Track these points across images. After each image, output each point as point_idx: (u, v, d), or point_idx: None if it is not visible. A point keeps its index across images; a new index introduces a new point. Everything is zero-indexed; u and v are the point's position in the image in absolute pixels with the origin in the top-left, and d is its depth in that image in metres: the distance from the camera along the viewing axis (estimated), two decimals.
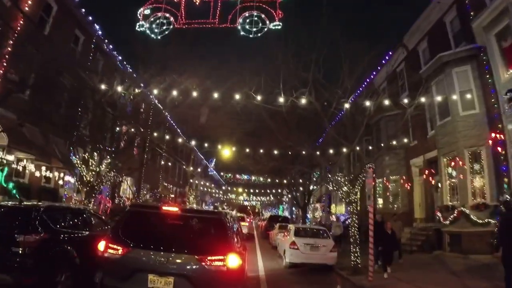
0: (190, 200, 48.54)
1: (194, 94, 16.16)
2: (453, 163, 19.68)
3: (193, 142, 28.42)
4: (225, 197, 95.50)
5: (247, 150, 23.04)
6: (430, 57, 22.44)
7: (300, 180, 36.71)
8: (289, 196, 49.39)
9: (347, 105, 15.64)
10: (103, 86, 18.06)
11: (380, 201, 29.21)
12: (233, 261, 6.44)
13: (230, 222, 7.56)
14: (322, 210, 49.29)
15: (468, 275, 13.96)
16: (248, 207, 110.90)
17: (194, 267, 6.31)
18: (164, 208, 7.28)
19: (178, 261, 6.35)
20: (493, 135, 17.77)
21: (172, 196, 48.22)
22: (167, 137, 41.93)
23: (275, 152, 23.19)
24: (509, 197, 15.83)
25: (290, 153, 22.17)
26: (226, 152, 35.68)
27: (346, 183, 16.48)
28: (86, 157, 19.45)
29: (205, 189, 73.47)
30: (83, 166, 18.73)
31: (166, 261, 6.27)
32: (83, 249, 8.26)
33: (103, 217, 12.41)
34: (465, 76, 19.53)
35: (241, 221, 33.88)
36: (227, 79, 17.43)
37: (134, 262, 6.33)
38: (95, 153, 19.10)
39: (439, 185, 21.87)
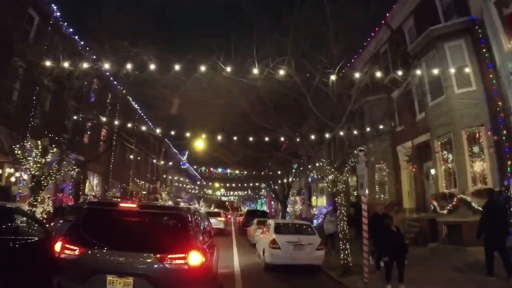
0: (163, 197, 45.89)
1: (153, 67, 13.48)
2: (448, 146, 17.76)
3: (158, 130, 25.87)
4: (201, 192, 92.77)
5: (219, 137, 20.30)
6: (417, 36, 20.47)
7: (279, 172, 34.57)
8: (268, 189, 47.16)
9: (333, 77, 13.35)
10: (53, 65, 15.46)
11: (367, 190, 27.27)
12: (195, 259, 6.15)
13: (192, 218, 7.15)
14: (302, 203, 47.25)
15: (475, 271, 12.12)
16: (227, 203, 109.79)
17: (154, 266, 5.98)
18: (122, 205, 6.86)
19: (137, 260, 6.03)
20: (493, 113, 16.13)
21: (144, 193, 45.61)
22: (136, 128, 39.64)
23: (251, 139, 20.56)
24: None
25: (267, 139, 19.45)
26: (199, 144, 33.24)
27: (332, 170, 14.34)
28: (29, 146, 16.85)
29: (180, 185, 70.78)
30: (28, 158, 16.10)
31: (124, 261, 5.92)
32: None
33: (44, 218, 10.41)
34: (459, 51, 17.78)
35: (216, 216, 33.02)
36: (191, 49, 15.03)
37: (91, 262, 5.98)
38: (39, 143, 16.46)
39: (432, 171, 20.04)
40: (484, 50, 16.77)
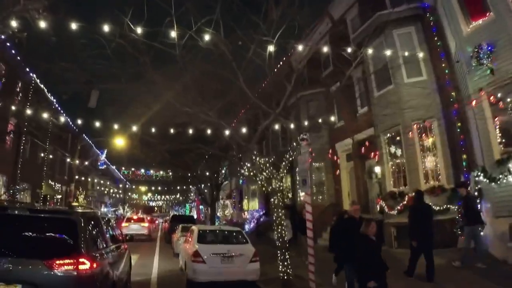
0: (80, 201, 41.60)
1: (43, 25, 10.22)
2: (397, 141, 15.92)
3: (79, 122, 22.49)
4: (127, 197, 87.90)
5: (134, 129, 16.99)
6: (361, 25, 18.59)
7: (207, 173, 31.86)
8: (196, 192, 44.30)
9: (271, 48, 10.80)
10: None
11: (302, 192, 25.18)
12: (84, 264, 5.79)
13: (86, 222, 6.62)
14: (233, 207, 44.75)
15: (442, 278, 10.28)
16: (155, 208, 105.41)
17: (42, 272, 5.55)
18: (9, 208, 6.53)
19: (25, 267, 5.55)
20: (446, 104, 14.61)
21: (59, 197, 41.09)
22: (50, 121, 35.40)
23: (172, 130, 17.32)
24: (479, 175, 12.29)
25: (191, 131, 16.13)
26: (119, 141, 29.82)
27: (267, 165, 11.88)
28: None
29: (104, 188, 66.04)
30: None
31: (12, 268, 5.44)
32: None
33: None
34: (409, 39, 16.29)
35: (139, 222, 30.78)
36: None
37: None
38: None
39: (376, 169, 18.14)
40: (435, 38, 15.45)
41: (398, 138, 15.88)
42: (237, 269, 10.91)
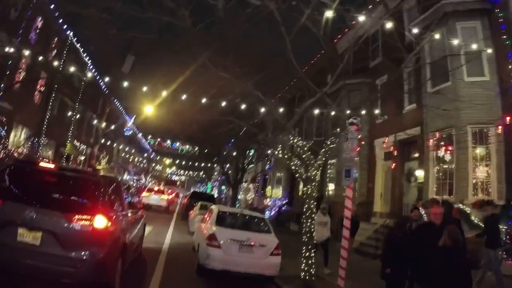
0: (102, 165, 40.98)
1: None
2: (446, 144, 14.41)
3: (106, 79, 21.51)
4: (150, 167, 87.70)
5: (164, 94, 15.97)
6: (420, 15, 16.97)
7: (234, 153, 30.72)
8: (221, 171, 43.29)
9: (329, 13, 9.32)
10: None
11: (331, 186, 23.87)
12: (99, 222, 6.30)
13: (106, 185, 7.20)
14: (255, 191, 43.66)
15: None
16: (178, 182, 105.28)
17: (61, 224, 6.10)
18: (41, 164, 7.26)
19: (48, 217, 6.10)
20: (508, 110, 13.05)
21: (83, 158, 40.59)
22: (82, 81, 34.82)
23: (203, 100, 16.02)
24: None
25: (222, 102, 14.78)
26: (149, 109, 28.89)
27: (305, 149, 10.59)
28: None
29: (129, 156, 65.68)
30: None
31: (36, 216, 6.04)
32: None
33: None
34: (473, 34, 14.59)
35: (159, 194, 31.78)
36: None
37: (6, 214, 6.04)
38: None
39: (416, 173, 16.68)
40: (504, 36, 13.80)
41: (448, 141, 14.36)
42: (255, 261, 9.61)
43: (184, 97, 16.23)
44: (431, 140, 15.18)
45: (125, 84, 20.67)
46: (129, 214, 8.66)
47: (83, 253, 6.08)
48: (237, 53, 11.96)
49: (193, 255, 11.63)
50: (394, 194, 18.32)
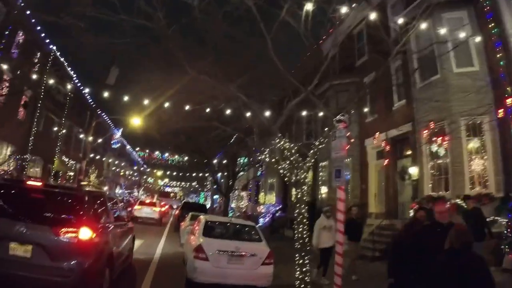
0: (91, 180, 40.24)
1: None
2: (439, 139, 13.95)
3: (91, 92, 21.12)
4: (142, 180, 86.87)
5: (149, 104, 15.50)
6: (404, 9, 16.61)
7: (224, 161, 30.22)
8: (212, 181, 42.72)
9: (309, 5, 8.85)
10: None
11: (324, 189, 23.36)
12: (85, 233, 6.70)
13: (91, 200, 7.67)
14: (248, 199, 43.08)
15: None
16: (171, 194, 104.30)
17: (50, 237, 6.52)
18: (28, 182, 7.55)
19: (37, 231, 6.54)
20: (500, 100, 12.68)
21: (72, 174, 39.83)
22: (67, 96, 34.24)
23: (187, 107, 15.43)
24: None
25: (205, 108, 14.29)
26: (136, 121, 28.31)
27: (292, 152, 10.08)
28: None
29: (119, 170, 64.81)
30: None
31: (25, 231, 6.46)
32: None
33: None
34: (460, 25, 14.03)
35: (151, 206, 31.31)
36: None
37: None
38: None
39: (410, 170, 16.23)
40: (491, 25, 13.47)
41: (441, 135, 13.92)
42: (245, 272, 9.05)
43: (167, 105, 15.71)
44: (423, 135, 14.75)
45: (110, 96, 20.17)
46: (116, 227, 9.00)
47: (70, 263, 6.51)
48: (217, 55, 11.48)
49: (183, 267, 11.05)
50: (389, 194, 17.82)
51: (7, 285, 6.36)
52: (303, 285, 9.46)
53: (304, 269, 9.55)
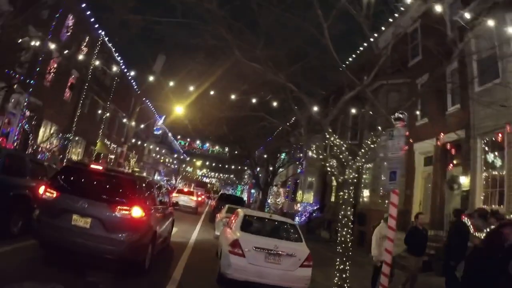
0: (131, 165, 40.63)
1: None
2: (498, 147, 13.09)
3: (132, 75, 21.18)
4: (181, 168, 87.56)
5: (194, 91, 15.31)
6: (463, 8, 15.60)
7: (265, 155, 29.82)
8: (250, 174, 42.41)
9: None
10: None
11: (366, 192, 22.57)
12: (136, 212, 7.90)
13: (142, 185, 9.05)
14: (285, 196, 42.52)
15: None
16: (209, 184, 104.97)
17: (106, 212, 7.73)
18: (92, 166, 9.04)
19: (96, 207, 7.72)
20: None
21: (112, 157, 40.39)
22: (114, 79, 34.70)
23: (233, 96, 15.17)
24: None
25: (251, 99, 13.95)
26: (179, 109, 28.40)
27: (343, 149, 9.54)
28: None
29: (159, 156, 65.43)
30: None
31: (87, 206, 7.66)
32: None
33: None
34: None
35: (189, 195, 32.79)
36: None
37: (63, 204, 7.74)
38: None
39: (460, 179, 15.32)
40: None
41: (498, 144, 13.03)
42: (282, 272, 8.59)
43: (212, 93, 15.41)
44: (478, 143, 13.87)
45: (156, 83, 20.20)
46: (160, 210, 10.32)
47: (122, 235, 7.69)
48: (269, 41, 11.00)
49: (216, 259, 10.69)
50: (435, 203, 16.93)
51: (69, 250, 7.72)
52: None
53: (344, 276, 9.03)
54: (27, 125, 23.35)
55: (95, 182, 8.50)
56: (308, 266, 8.79)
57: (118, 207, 7.82)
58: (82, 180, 8.56)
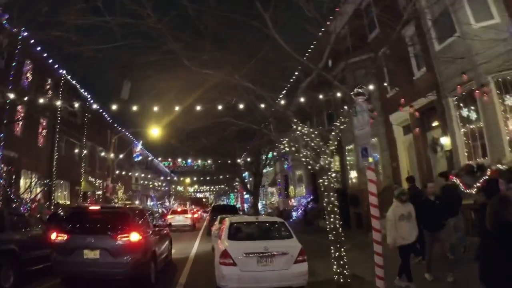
0: (119, 196, 40.15)
1: None
2: (468, 102, 12.98)
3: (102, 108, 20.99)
4: (172, 190, 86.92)
5: (158, 109, 15.08)
6: None
7: (248, 159, 29.58)
8: (238, 180, 42.10)
9: None
10: None
11: (353, 174, 22.43)
12: (134, 237, 9.46)
13: (134, 214, 10.76)
14: (278, 194, 42.33)
15: None
16: (203, 199, 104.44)
17: (110, 242, 9.28)
18: (90, 207, 11.69)
19: (101, 239, 9.30)
20: None
21: (99, 193, 39.83)
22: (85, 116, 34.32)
23: (197, 107, 14.92)
24: None
25: (220, 107, 13.77)
26: (155, 131, 28.05)
27: (313, 136, 9.32)
28: None
29: (148, 182, 64.78)
30: None
31: (93, 241, 9.22)
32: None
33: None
34: None
35: (183, 214, 33.11)
36: None
37: (74, 243, 9.29)
38: None
39: (442, 140, 15.23)
40: None
41: (470, 99, 12.93)
42: (278, 273, 8.29)
43: (178, 108, 15.21)
44: (449, 102, 13.77)
45: (127, 110, 19.84)
46: (156, 232, 11.94)
47: (126, 258, 9.25)
48: (218, 44, 10.80)
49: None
50: (422, 170, 16.79)
51: (84, 278, 9.45)
52: (342, 279, 8.68)
53: (341, 262, 8.79)
54: (1, 180, 22.84)
55: (95, 220, 10.12)
56: (302, 261, 8.50)
57: (119, 235, 9.36)
58: (85, 219, 10.21)
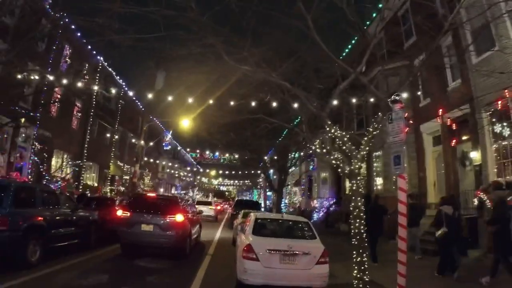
0: (145, 183, 40.98)
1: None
2: (505, 116, 12.85)
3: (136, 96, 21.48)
4: (197, 181, 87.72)
5: (195, 103, 15.46)
6: None
7: (275, 157, 29.74)
8: (264, 177, 42.34)
9: None
10: None
11: (379, 180, 22.36)
12: (179, 217, 12.62)
13: (181, 201, 14.33)
14: (301, 194, 42.37)
15: None
16: (227, 193, 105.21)
17: (161, 220, 12.45)
18: (148, 194, 15.79)
19: (155, 218, 12.47)
20: None
21: (126, 177, 40.66)
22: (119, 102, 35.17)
23: (231, 102, 15.30)
24: None
25: (251, 102, 14.11)
26: (185, 122, 28.37)
27: (345, 140, 9.43)
28: None
29: (174, 171, 65.62)
30: None
31: (149, 218, 12.41)
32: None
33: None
34: None
35: (207, 205, 35.14)
36: None
37: (135, 219, 12.42)
38: None
39: (471, 155, 15.10)
40: None
41: (506, 114, 12.79)
42: (299, 272, 8.50)
43: (212, 101, 15.54)
44: (483, 116, 13.65)
45: (160, 99, 20.36)
46: (191, 216, 14.72)
47: (172, 232, 12.31)
48: (257, 43, 10.96)
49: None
50: (449, 182, 16.66)
51: (141, 246, 12.48)
52: (361, 285, 8.79)
53: (362, 267, 8.89)
54: (36, 157, 23.63)
55: (152, 203, 13.23)
56: (324, 262, 8.67)
57: (168, 216, 12.48)
58: (144, 203, 13.30)
